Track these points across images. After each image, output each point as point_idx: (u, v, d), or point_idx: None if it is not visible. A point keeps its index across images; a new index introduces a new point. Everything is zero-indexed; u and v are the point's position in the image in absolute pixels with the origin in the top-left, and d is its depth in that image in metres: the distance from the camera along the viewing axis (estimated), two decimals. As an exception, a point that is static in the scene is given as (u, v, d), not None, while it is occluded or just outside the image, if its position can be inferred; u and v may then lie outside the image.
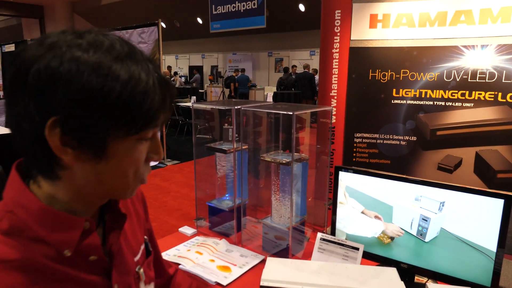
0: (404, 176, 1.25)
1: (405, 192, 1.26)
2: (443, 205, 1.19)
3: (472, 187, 1.14)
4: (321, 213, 1.86)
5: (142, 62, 0.51)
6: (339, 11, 2.77)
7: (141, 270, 0.69)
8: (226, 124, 1.60)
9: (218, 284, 1.28)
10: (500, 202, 1.10)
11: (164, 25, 5.64)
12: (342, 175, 1.38)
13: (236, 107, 1.45)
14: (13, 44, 9.20)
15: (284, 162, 1.40)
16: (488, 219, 1.12)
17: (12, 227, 0.51)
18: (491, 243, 1.13)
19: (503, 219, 1.10)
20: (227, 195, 1.77)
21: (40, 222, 0.52)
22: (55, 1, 14.40)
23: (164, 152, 5.98)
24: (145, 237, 0.77)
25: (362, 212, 1.36)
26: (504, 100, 2.34)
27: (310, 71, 10.16)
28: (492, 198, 1.11)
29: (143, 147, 0.55)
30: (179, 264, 1.39)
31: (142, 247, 0.73)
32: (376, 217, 1.33)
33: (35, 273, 0.51)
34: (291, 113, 1.26)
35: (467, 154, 2.52)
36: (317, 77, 10.00)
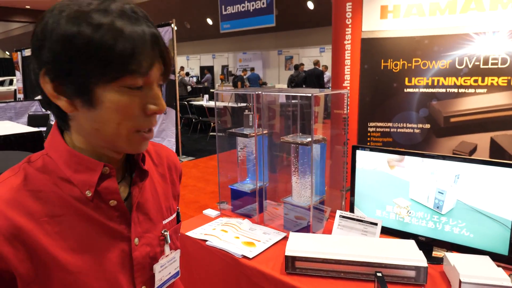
0: (419, 151, 1.31)
1: (420, 167, 1.32)
2: (458, 178, 1.25)
3: (485, 159, 1.19)
4: (337, 201, 1.93)
5: (122, 12, 0.54)
6: (350, 3, 2.83)
7: (167, 233, 0.72)
8: (246, 110, 1.68)
9: (244, 257, 1.36)
10: (513, 172, 1.15)
11: (175, 27, 5.75)
12: (359, 153, 1.44)
13: (256, 92, 1.52)
14: (33, 49, 9.48)
15: (304, 142, 1.47)
16: (502, 189, 1.18)
17: (44, 166, 0.59)
18: (506, 212, 1.18)
19: (517, 187, 1.15)
20: (248, 179, 1.85)
21: (67, 163, 0.59)
22: (68, 7, 14.70)
23: (179, 149, 6.12)
24: (178, 207, 0.80)
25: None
26: (517, 85, 2.37)
27: (320, 67, 10.18)
28: (505, 168, 1.16)
29: (132, 96, 0.56)
30: (206, 241, 1.48)
31: (174, 215, 0.77)
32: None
33: (58, 206, 0.58)
34: (310, 94, 1.33)
35: (482, 140, 2.55)
36: (327, 73, 10.01)
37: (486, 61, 2.44)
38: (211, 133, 7.85)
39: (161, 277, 0.70)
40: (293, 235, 1.35)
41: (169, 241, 0.72)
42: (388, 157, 1.38)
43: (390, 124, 2.85)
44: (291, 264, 1.23)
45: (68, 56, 0.52)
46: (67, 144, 0.60)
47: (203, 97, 9.21)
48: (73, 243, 0.58)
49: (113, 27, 0.52)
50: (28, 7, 14.63)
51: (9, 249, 0.53)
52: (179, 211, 0.80)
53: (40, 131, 4.90)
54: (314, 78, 9.66)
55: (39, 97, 8.81)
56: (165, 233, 0.71)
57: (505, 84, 2.40)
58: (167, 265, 0.71)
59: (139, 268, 0.65)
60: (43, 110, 7.61)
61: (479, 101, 2.53)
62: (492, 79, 2.45)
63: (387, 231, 1.44)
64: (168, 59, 0.58)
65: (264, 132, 1.69)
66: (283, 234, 1.52)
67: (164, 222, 0.72)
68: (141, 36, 0.54)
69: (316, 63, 10.10)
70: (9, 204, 0.54)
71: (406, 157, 1.35)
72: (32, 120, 6.55)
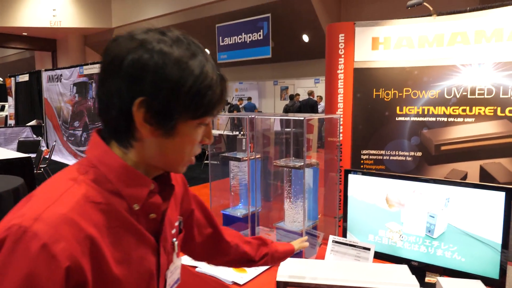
0: (410, 175, 1.33)
1: (411, 190, 1.33)
2: (448, 201, 1.26)
3: (474, 182, 1.21)
4: (331, 228, 1.92)
5: (209, 60, 0.63)
6: (343, 34, 2.94)
7: (176, 242, 0.76)
8: (240, 135, 1.71)
9: (235, 283, 1.34)
10: (502, 195, 1.17)
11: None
12: (352, 178, 1.46)
13: (250, 116, 1.55)
14: (27, 74, 9.59)
15: (296, 166, 1.48)
16: (491, 212, 1.19)
17: (96, 178, 0.61)
18: (496, 236, 1.19)
19: (506, 211, 1.16)
20: (240, 204, 1.84)
21: (119, 177, 0.62)
22: (68, 35, 15.03)
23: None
24: (179, 217, 0.84)
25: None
26: (504, 114, 2.44)
27: (315, 98, 10.36)
28: (493, 191, 1.18)
29: (200, 131, 0.66)
30: (196, 267, 1.45)
31: (177, 223, 0.80)
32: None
33: (114, 218, 0.61)
34: (302, 118, 1.36)
35: (472, 168, 2.58)
36: (322, 103, 10.18)
37: (473, 92, 2.52)
38: (205, 161, 7.85)
39: (170, 282, 0.75)
40: (285, 260, 1.33)
41: (176, 250, 0.76)
42: (388, 196, 1.39)
43: (382, 152, 2.89)
44: (283, 289, 1.21)
45: (169, 97, 0.59)
46: (122, 159, 0.63)
47: (198, 125, 9.26)
48: (123, 253, 0.61)
49: (208, 77, 0.61)
50: (25, 34, 14.92)
51: (86, 261, 0.55)
52: (181, 220, 0.84)
53: (29, 157, 4.86)
54: (308, 108, 9.82)
55: (31, 123, 8.83)
56: (175, 242, 0.76)
57: (492, 114, 2.47)
58: (174, 272, 0.76)
59: (162, 273, 0.71)
60: (34, 136, 7.61)
61: (467, 130, 2.58)
62: (479, 109, 2.51)
63: (380, 256, 1.43)
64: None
65: (257, 156, 1.71)
66: (275, 259, 1.50)
67: (172, 231, 0.77)
68: (223, 84, 0.64)
69: (311, 93, 10.30)
70: (81, 215, 0.56)
71: (397, 181, 1.36)
72: (22, 146, 6.50)
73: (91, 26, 13.82)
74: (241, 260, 1.03)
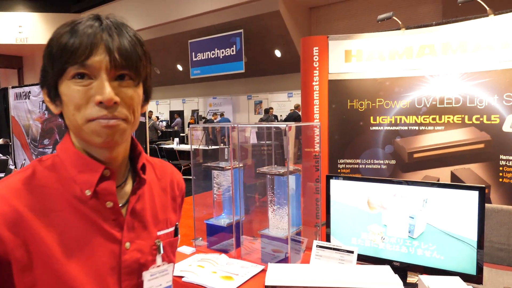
0: (389, 178, 1.39)
1: (392, 194, 1.38)
2: (426, 202, 1.32)
3: (449, 183, 1.28)
4: (312, 237, 1.94)
5: (92, 22, 0.60)
6: (317, 48, 3.03)
7: (161, 244, 0.71)
8: (222, 144, 1.72)
9: (222, 291, 1.33)
10: (475, 194, 1.24)
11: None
12: (333, 183, 1.50)
13: (232, 125, 1.57)
14: (-8, 92, 9.21)
15: (279, 173, 1.51)
16: (466, 211, 1.25)
17: (53, 165, 0.64)
18: (471, 233, 1.25)
19: (480, 209, 1.23)
20: (223, 213, 1.84)
21: (73, 164, 0.63)
22: (35, 52, 14.62)
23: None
24: (177, 223, 0.79)
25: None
26: (471, 122, 2.58)
27: (300, 112, 10.57)
28: (468, 191, 1.25)
29: (78, 87, 0.59)
30: (183, 277, 1.44)
31: (171, 229, 0.76)
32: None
33: (59, 202, 0.61)
34: (284, 125, 1.40)
35: (443, 174, 2.70)
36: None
37: (441, 101, 2.66)
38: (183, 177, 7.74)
39: (151, 286, 0.69)
40: (272, 266, 1.34)
41: (161, 252, 0.71)
42: (369, 199, 1.43)
43: (358, 161, 2.97)
44: (271, 294, 1.22)
45: (43, 62, 0.61)
46: (75, 147, 0.64)
47: (173, 140, 9.20)
48: (67, 238, 0.60)
49: (71, 29, 0.59)
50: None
51: (8, 234, 0.56)
52: (178, 226, 0.79)
53: (-2, 175, 4.65)
54: (292, 121, 9.97)
55: (-2, 142, 8.49)
56: (158, 243, 0.71)
57: (460, 122, 2.61)
58: (158, 276, 0.70)
59: (127, 271, 0.66)
60: (1, 155, 7.29)
61: (438, 137, 2.71)
62: (448, 117, 2.65)
63: (363, 259, 1.46)
64: (116, 48, 0.59)
65: (240, 165, 1.72)
66: (261, 267, 1.51)
67: (159, 233, 0.73)
68: (86, 31, 0.58)
69: (297, 107, 10.44)
70: (14, 194, 0.59)
71: (377, 184, 1.41)
72: (-11, 166, 6.21)
73: (60, 42, 13.49)
74: None
